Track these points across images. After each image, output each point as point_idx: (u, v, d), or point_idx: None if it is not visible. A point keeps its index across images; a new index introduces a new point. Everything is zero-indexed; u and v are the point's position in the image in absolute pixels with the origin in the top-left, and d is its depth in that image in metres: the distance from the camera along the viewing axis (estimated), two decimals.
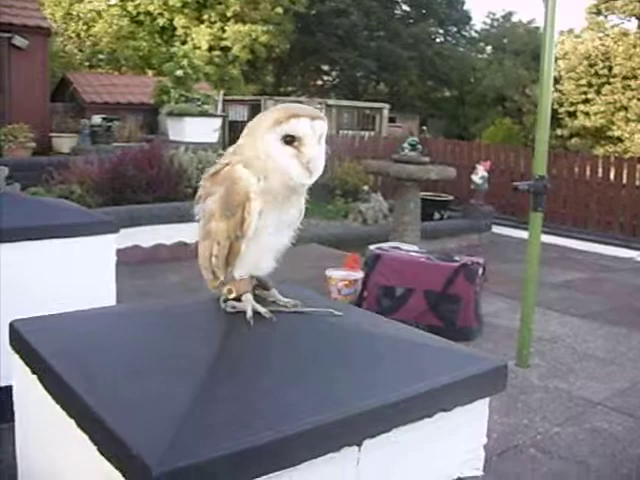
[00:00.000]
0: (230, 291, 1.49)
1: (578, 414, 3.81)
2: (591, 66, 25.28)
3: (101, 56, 25.67)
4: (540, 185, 4.31)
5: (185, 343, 1.42)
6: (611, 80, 24.99)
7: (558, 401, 3.97)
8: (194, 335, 1.46)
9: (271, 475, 1.09)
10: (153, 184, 7.15)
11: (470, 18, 32.63)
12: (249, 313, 1.44)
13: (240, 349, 1.36)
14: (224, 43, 22.39)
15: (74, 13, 26.06)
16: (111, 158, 7.66)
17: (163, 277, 6.31)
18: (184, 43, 21.73)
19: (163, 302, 1.80)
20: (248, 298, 1.48)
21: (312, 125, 1.39)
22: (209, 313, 1.53)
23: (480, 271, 5.01)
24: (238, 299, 1.49)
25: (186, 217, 6.35)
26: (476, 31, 33.42)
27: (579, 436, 3.54)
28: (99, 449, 1.16)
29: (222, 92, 13.55)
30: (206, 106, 11.14)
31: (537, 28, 29.02)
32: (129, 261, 5.87)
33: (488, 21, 33.26)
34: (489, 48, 32.57)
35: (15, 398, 1.63)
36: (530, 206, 4.43)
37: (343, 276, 5.55)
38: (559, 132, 25.13)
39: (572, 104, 25.47)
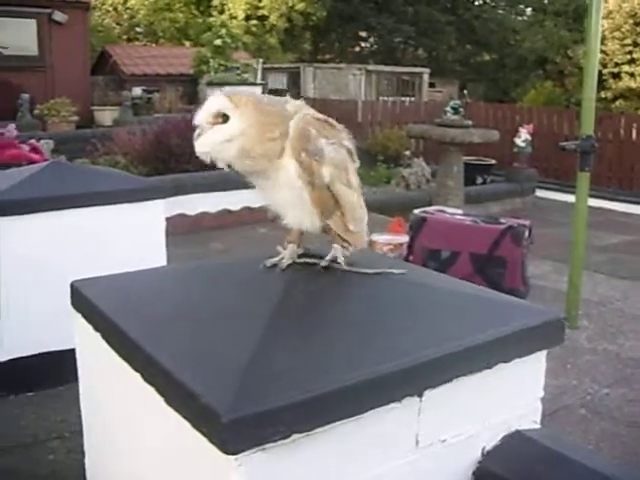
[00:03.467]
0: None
1: (628, 375, 3.77)
2: (637, 24, 24.56)
3: (138, 29, 25.75)
4: (587, 144, 4.24)
5: (242, 296, 1.44)
6: None
7: (607, 362, 3.93)
8: (251, 289, 1.47)
9: (336, 423, 1.10)
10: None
11: None
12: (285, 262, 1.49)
13: (299, 302, 1.37)
14: (261, 12, 22.29)
15: None
16: (153, 128, 7.72)
17: (209, 244, 6.36)
18: (221, 13, 21.68)
19: (216, 260, 1.82)
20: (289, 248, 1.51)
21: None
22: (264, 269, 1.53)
23: (526, 233, 4.96)
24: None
25: (230, 185, 6.49)
26: None
27: (629, 397, 3.51)
28: (166, 400, 1.18)
29: (261, 60, 13.49)
30: (245, 75, 11.14)
31: None
32: (175, 229, 5.90)
33: None
34: (529, 10, 31.78)
35: (78, 357, 1.67)
36: (577, 166, 4.36)
37: (388, 240, 5.53)
38: (603, 94, 24.54)
39: (616, 65, 24.81)
